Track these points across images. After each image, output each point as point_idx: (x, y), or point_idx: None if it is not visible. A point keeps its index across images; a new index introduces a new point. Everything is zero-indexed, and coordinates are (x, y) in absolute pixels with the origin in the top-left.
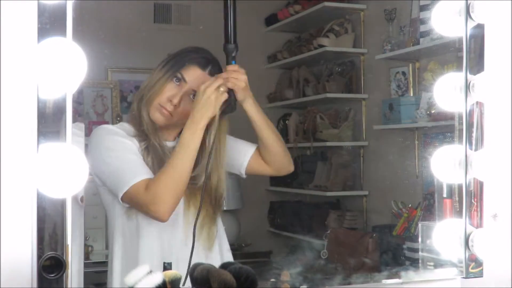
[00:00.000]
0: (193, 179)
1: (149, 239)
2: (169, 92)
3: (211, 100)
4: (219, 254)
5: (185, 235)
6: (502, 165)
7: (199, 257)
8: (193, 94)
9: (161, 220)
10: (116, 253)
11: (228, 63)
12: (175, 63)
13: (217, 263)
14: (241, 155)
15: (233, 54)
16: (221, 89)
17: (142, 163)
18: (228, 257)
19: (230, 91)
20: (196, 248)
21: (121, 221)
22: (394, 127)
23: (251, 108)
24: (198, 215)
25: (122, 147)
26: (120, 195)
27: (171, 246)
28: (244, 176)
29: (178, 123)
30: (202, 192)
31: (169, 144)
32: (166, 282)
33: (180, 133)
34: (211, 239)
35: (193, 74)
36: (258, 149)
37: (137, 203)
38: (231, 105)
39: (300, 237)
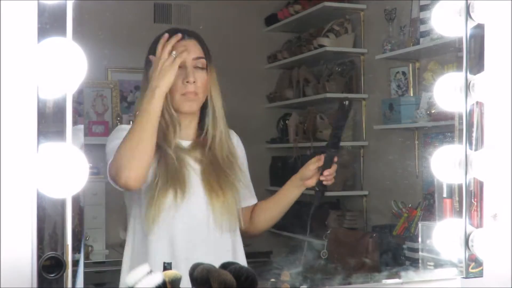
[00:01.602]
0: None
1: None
2: (179, 77)
3: (165, 69)
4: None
5: (205, 238)
6: (502, 165)
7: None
8: (198, 63)
9: (129, 187)
10: (127, 252)
11: (328, 167)
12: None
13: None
14: (242, 196)
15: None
16: (173, 53)
17: None
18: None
19: (324, 186)
20: (221, 251)
21: (133, 222)
22: (394, 127)
23: (298, 193)
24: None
25: (118, 136)
26: (108, 177)
27: (185, 249)
28: None
29: (203, 102)
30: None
31: (185, 144)
32: (166, 282)
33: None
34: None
35: (180, 47)
36: (256, 207)
37: (112, 181)
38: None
39: (300, 237)
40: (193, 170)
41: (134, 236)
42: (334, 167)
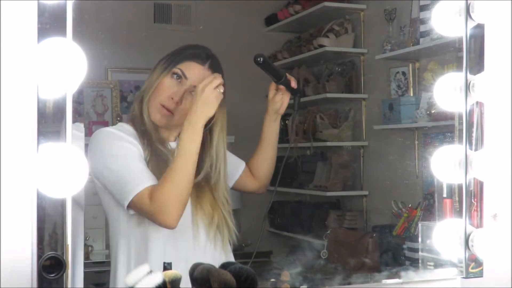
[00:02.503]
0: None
1: (159, 243)
2: (170, 89)
3: (210, 99)
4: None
5: (197, 239)
6: (502, 165)
7: (218, 260)
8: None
9: (170, 228)
10: (120, 258)
11: (289, 83)
12: (174, 59)
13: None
14: (232, 168)
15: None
16: (220, 89)
17: (145, 169)
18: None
19: (296, 91)
20: (213, 251)
21: (127, 225)
22: (394, 127)
23: (277, 125)
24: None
25: (125, 153)
26: (126, 204)
27: (182, 249)
28: (229, 188)
29: (178, 123)
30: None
31: (171, 144)
32: (166, 282)
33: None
34: (226, 240)
35: (193, 70)
36: (249, 165)
37: (143, 212)
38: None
39: (300, 237)
40: None
41: (128, 245)
42: (292, 78)
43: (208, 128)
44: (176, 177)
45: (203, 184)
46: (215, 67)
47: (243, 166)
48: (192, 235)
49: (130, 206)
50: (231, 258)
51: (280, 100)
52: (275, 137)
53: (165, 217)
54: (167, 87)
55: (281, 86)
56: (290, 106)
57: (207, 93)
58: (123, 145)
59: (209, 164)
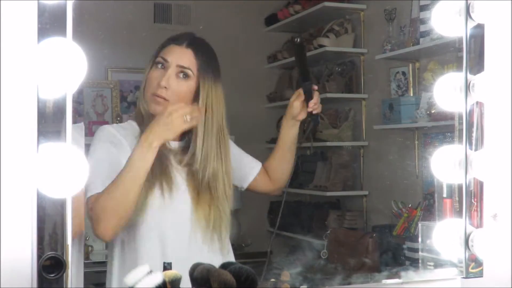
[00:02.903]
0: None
1: (148, 243)
2: (157, 78)
3: (174, 124)
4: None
5: (193, 237)
6: (502, 165)
7: (215, 259)
8: (181, 72)
9: (103, 239)
10: (115, 257)
11: (310, 98)
12: (156, 51)
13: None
14: (247, 169)
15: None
16: (187, 117)
17: (107, 174)
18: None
19: (315, 116)
20: (210, 252)
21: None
22: (394, 127)
23: (295, 130)
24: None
25: (100, 156)
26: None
27: (175, 248)
28: (243, 189)
29: None
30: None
31: (173, 144)
32: (166, 282)
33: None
34: (224, 240)
35: (171, 52)
36: (265, 167)
37: (89, 219)
38: (315, 125)
39: (300, 237)
40: (177, 170)
41: (122, 239)
42: (317, 95)
43: (203, 123)
44: (115, 190)
45: (203, 184)
46: (197, 48)
47: (259, 168)
48: (189, 235)
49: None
50: (231, 259)
51: (298, 106)
52: (292, 142)
53: (97, 227)
54: (154, 78)
55: (301, 93)
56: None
57: (172, 118)
58: (103, 146)
59: (201, 157)
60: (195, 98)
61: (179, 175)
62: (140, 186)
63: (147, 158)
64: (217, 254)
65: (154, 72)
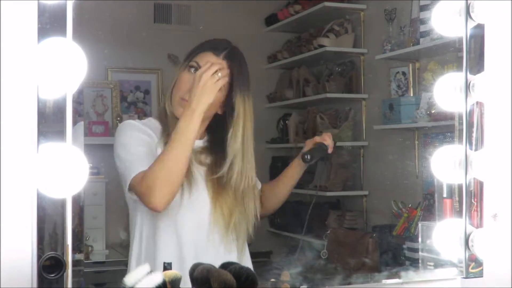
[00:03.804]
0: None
1: (167, 240)
2: (188, 83)
3: (208, 85)
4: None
5: (211, 236)
6: (502, 165)
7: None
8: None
9: (156, 210)
10: (133, 252)
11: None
12: (191, 54)
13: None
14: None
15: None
16: (218, 74)
17: (147, 154)
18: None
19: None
20: (227, 253)
21: (140, 220)
22: (394, 127)
23: (300, 172)
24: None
25: (133, 141)
26: (126, 189)
27: (193, 247)
28: None
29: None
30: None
31: (196, 143)
32: (166, 282)
33: (207, 128)
34: (244, 241)
35: (206, 59)
36: (264, 191)
37: (137, 195)
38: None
39: (300, 237)
40: (197, 169)
41: (141, 236)
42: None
43: (232, 122)
44: (166, 159)
45: (225, 182)
46: (233, 58)
47: (258, 187)
48: (207, 234)
49: (130, 190)
50: (247, 260)
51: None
52: (293, 181)
53: (150, 198)
54: (185, 81)
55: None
56: (290, 106)
57: (204, 80)
58: (133, 134)
59: (229, 161)
60: (224, 106)
61: (199, 175)
62: (189, 153)
63: (191, 127)
64: (233, 254)
65: (186, 76)
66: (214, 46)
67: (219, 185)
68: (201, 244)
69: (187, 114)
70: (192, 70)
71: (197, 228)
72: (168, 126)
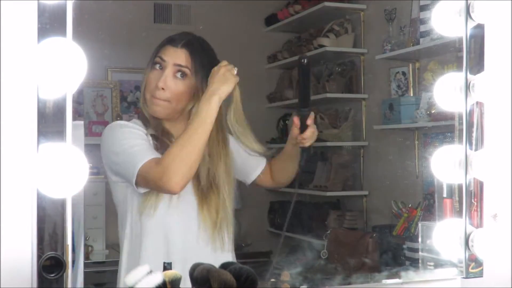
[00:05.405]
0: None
1: (153, 240)
2: (156, 79)
3: (227, 75)
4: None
5: (199, 237)
6: (502, 165)
7: (216, 259)
8: (179, 71)
9: (173, 191)
10: (124, 251)
11: (304, 129)
12: (154, 52)
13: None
14: (253, 165)
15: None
16: (235, 70)
17: (148, 146)
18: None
19: (307, 148)
20: (212, 251)
21: (130, 219)
22: (394, 127)
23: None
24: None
25: (129, 135)
26: (133, 179)
27: (180, 248)
28: (247, 184)
29: (179, 110)
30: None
31: None
32: (166, 282)
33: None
34: (229, 240)
35: (168, 51)
36: (270, 164)
37: (150, 181)
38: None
39: (300, 237)
40: None
41: (131, 234)
42: (310, 129)
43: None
44: (186, 141)
45: (206, 184)
46: (192, 48)
47: (263, 165)
48: (195, 235)
49: (138, 180)
50: (233, 258)
51: (295, 133)
52: (296, 156)
53: (168, 179)
54: (153, 79)
55: (297, 122)
56: (290, 106)
57: (223, 70)
58: (126, 130)
59: (207, 165)
60: (195, 97)
61: None
62: (207, 137)
63: (210, 111)
64: (219, 253)
65: (153, 73)
66: (171, 39)
67: (204, 185)
68: (189, 245)
69: (205, 100)
70: (157, 66)
71: (184, 229)
72: (150, 126)
